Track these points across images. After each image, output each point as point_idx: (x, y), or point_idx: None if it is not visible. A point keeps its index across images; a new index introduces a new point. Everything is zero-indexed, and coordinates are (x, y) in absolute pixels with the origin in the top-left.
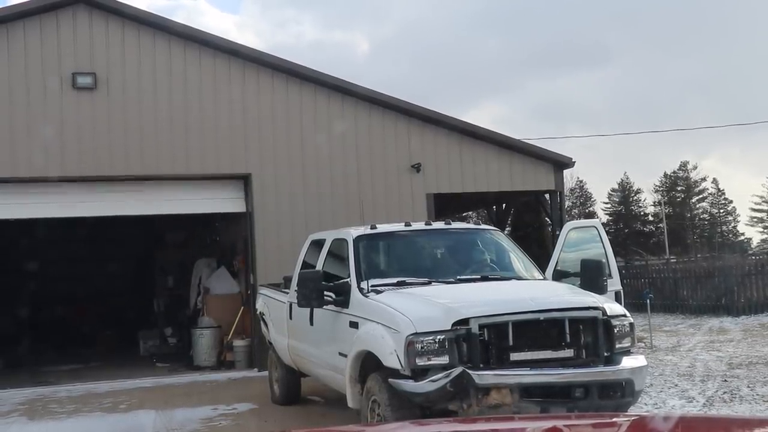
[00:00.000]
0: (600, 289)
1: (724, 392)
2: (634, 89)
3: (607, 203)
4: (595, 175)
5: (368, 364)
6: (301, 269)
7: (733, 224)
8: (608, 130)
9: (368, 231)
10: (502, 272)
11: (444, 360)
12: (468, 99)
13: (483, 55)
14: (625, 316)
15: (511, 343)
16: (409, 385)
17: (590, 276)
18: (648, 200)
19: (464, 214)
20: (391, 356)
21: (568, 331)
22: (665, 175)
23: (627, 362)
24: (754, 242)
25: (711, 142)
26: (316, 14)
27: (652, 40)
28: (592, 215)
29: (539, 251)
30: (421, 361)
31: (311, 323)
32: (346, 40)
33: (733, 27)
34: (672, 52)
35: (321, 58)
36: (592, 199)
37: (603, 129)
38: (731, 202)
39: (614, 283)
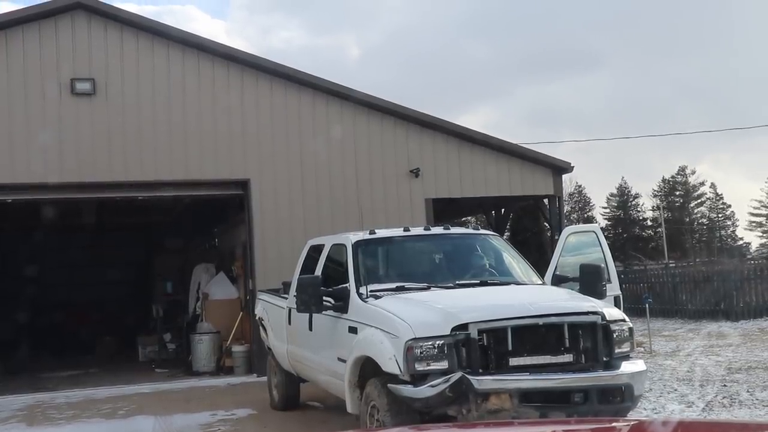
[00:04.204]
0: (599, 293)
1: (724, 397)
2: (625, 94)
3: (605, 208)
4: (591, 179)
5: (367, 370)
6: (300, 274)
7: (731, 228)
8: (601, 135)
9: (367, 236)
10: (501, 277)
11: (443, 365)
12: (460, 104)
13: (474, 60)
14: (624, 320)
15: (510, 348)
16: (408, 390)
17: (589, 281)
18: (647, 205)
19: (463, 219)
20: (390, 361)
21: (567, 336)
22: (663, 179)
23: (626, 367)
24: (753, 246)
25: (703, 147)
26: (302, 20)
27: (642, 45)
28: (590, 220)
29: (538, 256)
30: (420, 366)
31: (310, 329)
32: (335, 46)
33: (723, 32)
34: (662, 57)
35: (311, 64)
36: (590, 204)
37: (595, 133)
38: (729, 206)
39: (613, 288)
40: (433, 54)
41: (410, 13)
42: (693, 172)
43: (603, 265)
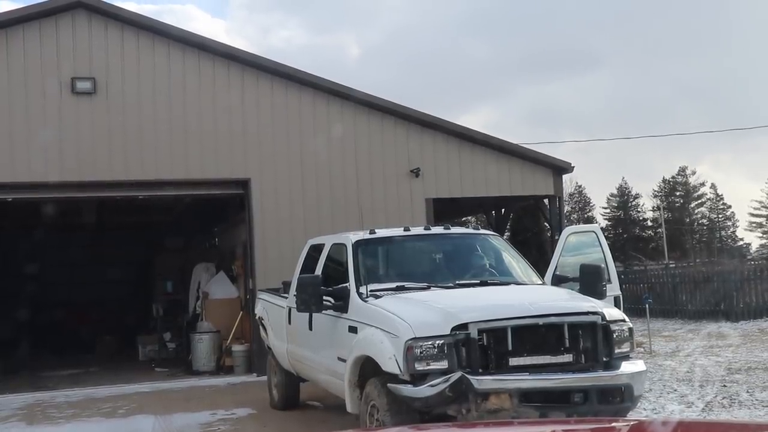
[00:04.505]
0: (599, 294)
1: (723, 397)
2: (625, 94)
3: (606, 208)
4: (591, 179)
5: (367, 369)
6: (300, 274)
7: (731, 229)
8: (601, 135)
9: (367, 236)
10: (501, 277)
11: (443, 365)
12: (460, 104)
13: (474, 60)
14: (624, 321)
15: (510, 348)
16: (408, 390)
17: (589, 281)
18: (647, 205)
19: (463, 219)
20: (390, 361)
21: (567, 336)
22: (664, 180)
23: (626, 367)
24: (753, 247)
25: (703, 147)
26: (302, 19)
27: (642, 45)
28: (591, 220)
29: (538, 256)
30: (420, 366)
31: (310, 328)
32: (335, 45)
33: (723, 32)
34: (662, 57)
35: (311, 63)
36: (591, 204)
37: (596, 134)
38: (730, 207)
39: (613, 288)
40: (433, 54)
41: (410, 13)
42: (693, 173)
43: (603, 266)
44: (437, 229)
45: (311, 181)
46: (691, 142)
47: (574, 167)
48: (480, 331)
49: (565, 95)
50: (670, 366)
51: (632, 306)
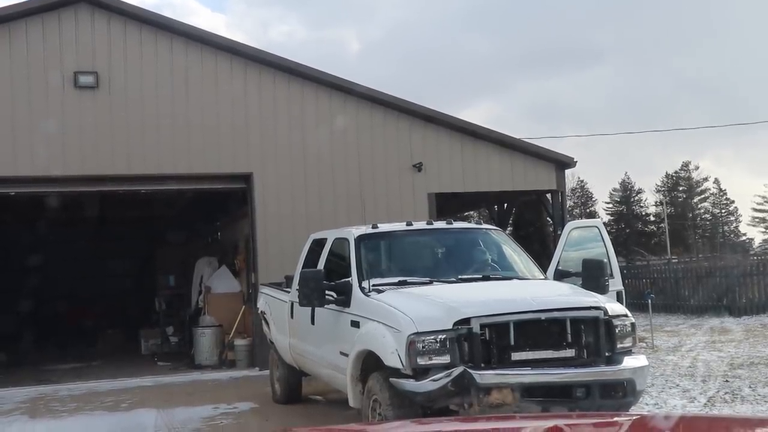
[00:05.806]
0: (601, 288)
1: (726, 392)
2: (626, 89)
3: (608, 203)
4: (593, 174)
5: (369, 364)
6: (302, 268)
7: (734, 224)
8: (602, 130)
9: (370, 230)
10: (504, 272)
11: (445, 359)
12: (461, 99)
13: (474, 55)
14: (626, 316)
15: (512, 342)
16: (410, 385)
17: (592, 276)
18: (649, 200)
19: (466, 214)
20: (393, 355)
21: (569, 330)
22: (667, 175)
23: (628, 362)
24: (756, 242)
25: (704, 142)
26: (302, 14)
27: (644, 40)
28: (593, 215)
29: (541, 251)
30: (422, 361)
31: (312, 322)
32: (334, 40)
33: (725, 27)
34: (664, 52)
35: (310, 58)
36: (593, 199)
37: (597, 129)
38: (733, 202)
39: (616, 283)
40: (433, 49)
41: (409, 9)
42: (696, 168)
43: (605, 260)
44: (439, 224)
45: (313, 176)
46: (693, 138)
47: (576, 162)
48: (482, 326)
49: (566, 91)
50: (673, 361)
51: (634, 301)
